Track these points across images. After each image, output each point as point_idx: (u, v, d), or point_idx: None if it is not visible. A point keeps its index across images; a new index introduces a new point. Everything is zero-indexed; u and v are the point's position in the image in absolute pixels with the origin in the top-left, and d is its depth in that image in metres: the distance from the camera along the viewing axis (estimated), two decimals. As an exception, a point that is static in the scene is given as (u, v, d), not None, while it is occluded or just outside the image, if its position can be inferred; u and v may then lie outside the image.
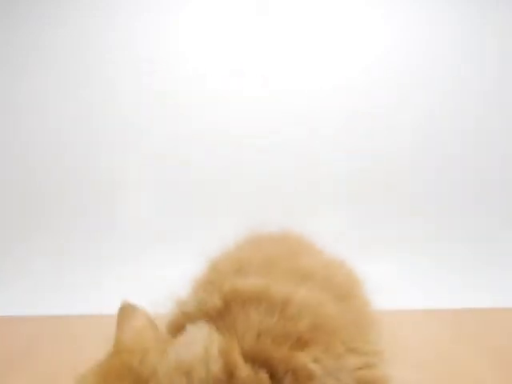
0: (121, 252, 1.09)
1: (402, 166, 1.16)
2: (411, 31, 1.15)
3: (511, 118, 1.16)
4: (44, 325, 0.83)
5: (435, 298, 0.93)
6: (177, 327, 0.36)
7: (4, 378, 0.64)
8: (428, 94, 1.16)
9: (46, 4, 1.14)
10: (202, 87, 1.15)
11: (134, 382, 0.30)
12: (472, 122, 1.16)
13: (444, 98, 1.16)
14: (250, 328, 0.33)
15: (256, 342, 0.32)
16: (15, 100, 1.15)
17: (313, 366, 0.31)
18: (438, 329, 0.79)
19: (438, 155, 1.16)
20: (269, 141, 1.14)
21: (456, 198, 1.15)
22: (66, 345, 0.74)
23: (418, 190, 1.15)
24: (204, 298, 0.38)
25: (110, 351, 0.34)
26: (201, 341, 0.32)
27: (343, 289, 0.42)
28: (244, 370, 0.30)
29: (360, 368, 0.33)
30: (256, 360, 0.31)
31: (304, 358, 0.31)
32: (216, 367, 0.30)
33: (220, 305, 0.36)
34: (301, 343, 0.32)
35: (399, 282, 0.91)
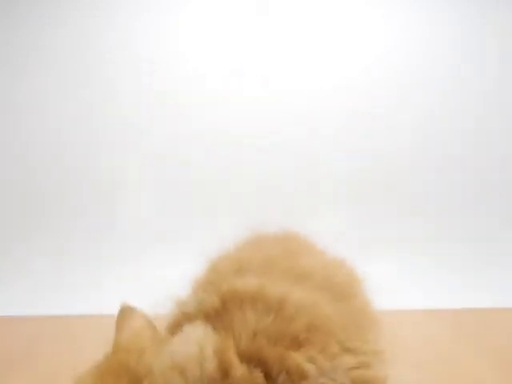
0: (121, 252, 1.09)
1: (401, 165, 1.16)
2: (411, 31, 1.15)
3: (511, 118, 1.16)
4: (44, 325, 0.83)
5: (435, 298, 0.93)
6: (177, 327, 0.36)
7: (4, 378, 0.64)
8: (428, 94, 1.16)
9: (46, 4, 1.14)
10: (202, 87, 1.15)
11: (130, 381, 0.30)
12: (472, 122, 1.16)
13: (444, 98, 1.16)
14: (246, 328, 0.33)
15: (251, 342, 0.32)
16: (15, 100, 1.15)
17: (307, 366, 0.31)
18: (438, 329, 0.79)
19: (438, 155, 1.16)
20: (269, 141, 1.14)
21: (456, 198, 1.15)
22: (66, 345, 0.74)
23: (418, 189, 1.15)
24: (203, 298, 0.38)
25: (109, 352, 0.35)
26: (196, 340, 0.32)
27: (343, 289, 0.42)
28: (239, 369, 0.30)
29: (356, 367, 0.33)
30: (251, 359, 0.31)
31: (298, 358, 0.31)
32: (210, 366, 0.30)
33: (218, 304, 0.36)
34: (296, 343, 0.32)
35: (399, 282, 0.91)
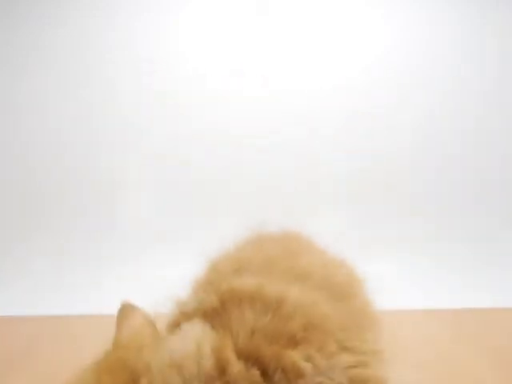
0: (121, 252, 1.09)
1: (402, 165, 1.16)
2: (411, 31, 1.15)
3: (511, 118, 1.16)
4: (44, 325, 0.83)
5: (435, 298, 0.93)
6: (176, 327, 0.37)
7: (4, 378, 0.64)
8: (428, 94, 1.16)
9: (46, 4, 1.14)
10: (202, 87, 1.15)
11: (128, 377, 0.30)
12: (472, 122, 1.16)
13: (444, 98, 1.16)
14: (244, 326, 0.33)
15: (249, 340, 0.32)
16: (15, 100, 1.15)
17: (303, 364, 0.31)
18: (438, 329, 0.79)
19: (438, 155, 1.16)
20: (269, 141, 1.14)
21: (456, 198, 1.15)
22: (66, 345, 0.74)
23: (418, 190, 1.15)
24: (203, 298, 0.38)
25: (109, 349, 0.35)
26: (194, 337, 0.33)
27: (342, 288, 0.42)
28: (236, 366, 0.30)
29: (353, 366, 0.33)
30: (249, 357, 0.31)
31: (295, 356, 0.31)
32: (208, 363, 0.30)
33: (216, 304, 0.36)
34: (293, 342, 0.33)
35: (399, 282, 0.91)
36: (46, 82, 1.15)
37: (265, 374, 0.31)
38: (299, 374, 0.31)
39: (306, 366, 0.31)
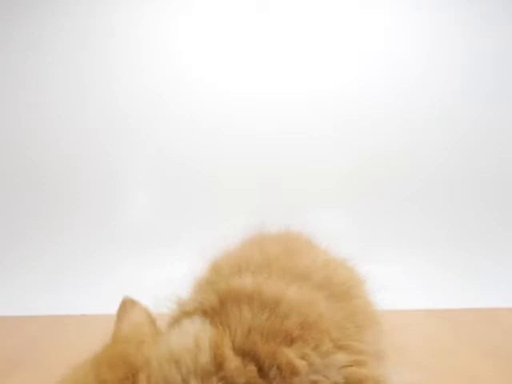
0: (121, 252, 1.09)
1: (402, 166, 1.16)
2: (411, 31, 1.15)
3: (511, 118, 1.16)
4: (44, 325, 0.83)
5: (435, 298, 0.93)
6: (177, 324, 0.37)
7: (4, 378, 0.64)
8: (428, 94, 1.16)
9: (46, 4, 1.14)
10: (202, 87, 1.15)
11: (127, 371, 0.30)
12: (472, 122, 1.16)
13: (444, 98, 1.16)
14: (242, 324, 0.34)
15: (246, 337, 0.33)
16: (15, 100, 1.15)
17: (298, 362, 0.32)
18: (438, 329, 0.79)
19: (438, 155, 1.16)
20: (269, 140, 1.14)
21: (456, 198, 1.15)
22: (66, 345, 0.74)
23: (419, 190, 1.15)
24: (203, 297, 0.39)
25: (108, 343, 0.35)
26: (193, 333, 0.33)
27: (342, 289, 0.42)
28: (233, 362, 0.31)
29: (349, 365, 0.33)
30: (246, 354, 0.32)
31: (290, 354, 0.32)
32: (205, 358, 0.31)
33: (216, 303, 0.37)
34: (289, 340, 0.33)
35: (400, 283, 0.90)
36: (46, 82, 1.15)
37: (261, 370, 0.31)
38: (294, 372, 0.31)
39: (301, 364, 0.32)
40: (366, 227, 1.13)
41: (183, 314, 0.39)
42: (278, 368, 0.31)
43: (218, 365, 0.31)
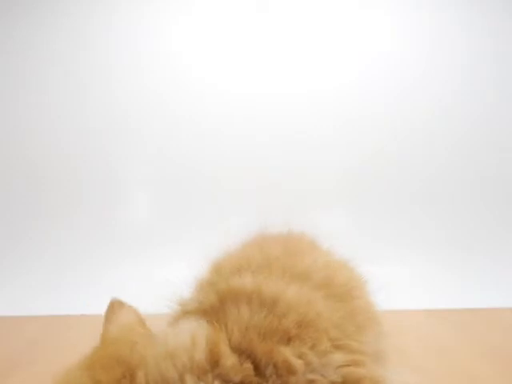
0: (121, 252, 1.09)
1: (402, 165, 1.16)
2: (411, 31, 1.15)
3: (511, 118, 1.16)
4: (44, 325, 0.83)
5: (436, 298, 0.93)
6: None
7: (4, 378, 0.64)
8: (428, 94, 1.16)
9: (46, 4, 1.14)
10: (202, 87, 1.15)
11: (123, 371, 0.30)
12: (472, 122, 1.16)
13: (444, 98, 1.16)
14: (239, 322, 0.34)
15: (243, 336, 0.33)
16: (15, 100, 1.15)
17: (294, 361, 0.32)
18: (439, 329, 0.79)
19: (438, 155, 1.16)
20: (269, 140, 1.14)
21: (456, 199, 1.15)
22: (66, 345, 0.74)
23: (419, 190, 1.15)
24: (204, 297, 0.39)
25: (97, 345, 0.35)
26: (189, 330, 0.33)
27: (343, 289, 0.42)
28: (229, 359, 0.31)
29: (347, 365, 0.33)
30: (242, 352, 0.32)
31: (286, 353, 0.32)
32: (201, 355, 0.31)
33: (215, 302, 0.37)
34: (286, 339, 0.33)
35: (400, 283, 0.91)
36: (46, 81, 1.15)
37: (257, 368, 0.31)
38: (290, 371, 0.31)
39: (298, 363, 0.32)
40: (366, 227, 1.13)
41: (184, 313, 0.39)
42: (275, 366, 0.31)
43: (214, 362, 0.31)
